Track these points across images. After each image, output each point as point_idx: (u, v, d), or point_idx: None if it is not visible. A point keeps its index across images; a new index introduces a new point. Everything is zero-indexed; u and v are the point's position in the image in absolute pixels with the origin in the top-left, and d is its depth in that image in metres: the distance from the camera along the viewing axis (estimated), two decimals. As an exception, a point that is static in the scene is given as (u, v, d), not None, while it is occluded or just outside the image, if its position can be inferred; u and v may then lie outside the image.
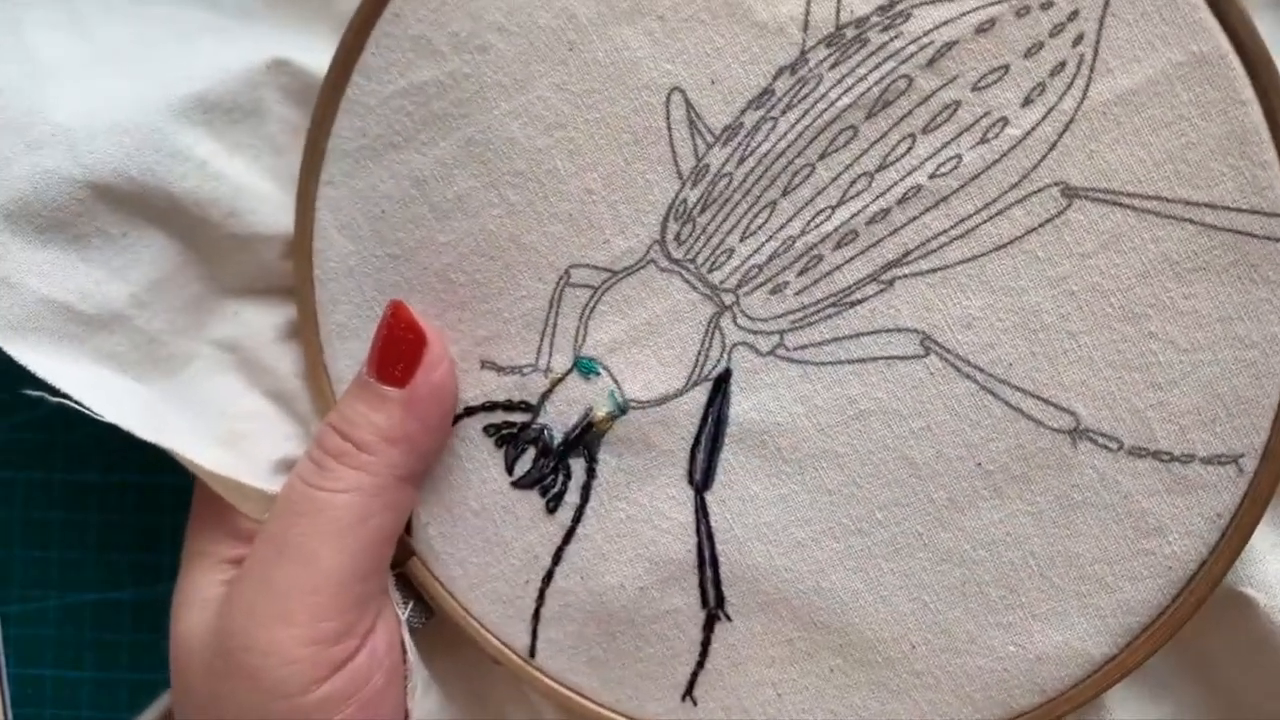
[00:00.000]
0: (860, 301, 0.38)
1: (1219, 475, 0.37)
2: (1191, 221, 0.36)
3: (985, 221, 0.37)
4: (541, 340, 0.40)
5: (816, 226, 0.38)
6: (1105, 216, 0.36)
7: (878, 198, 0.37)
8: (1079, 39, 0.36)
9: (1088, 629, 0.38)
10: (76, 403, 0.39)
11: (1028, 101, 0.36)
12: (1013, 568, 0.38)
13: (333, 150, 0.41)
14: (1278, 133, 0.35)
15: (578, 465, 0.41)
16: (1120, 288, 0.37)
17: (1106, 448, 0.37)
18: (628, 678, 0.41)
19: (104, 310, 0.41)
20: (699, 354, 0.39)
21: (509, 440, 0.41)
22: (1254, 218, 0.36)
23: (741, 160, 0.38)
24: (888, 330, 0.38)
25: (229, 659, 0.38)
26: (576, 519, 0.41)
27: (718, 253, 0.39)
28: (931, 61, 0.36)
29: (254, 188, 0.42)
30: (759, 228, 0.38)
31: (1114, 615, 0.38)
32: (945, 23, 0.36)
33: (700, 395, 0.39)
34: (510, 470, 0.41)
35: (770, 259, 0.38)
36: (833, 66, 0.37)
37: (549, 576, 0.41)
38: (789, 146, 0.38)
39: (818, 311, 0.38)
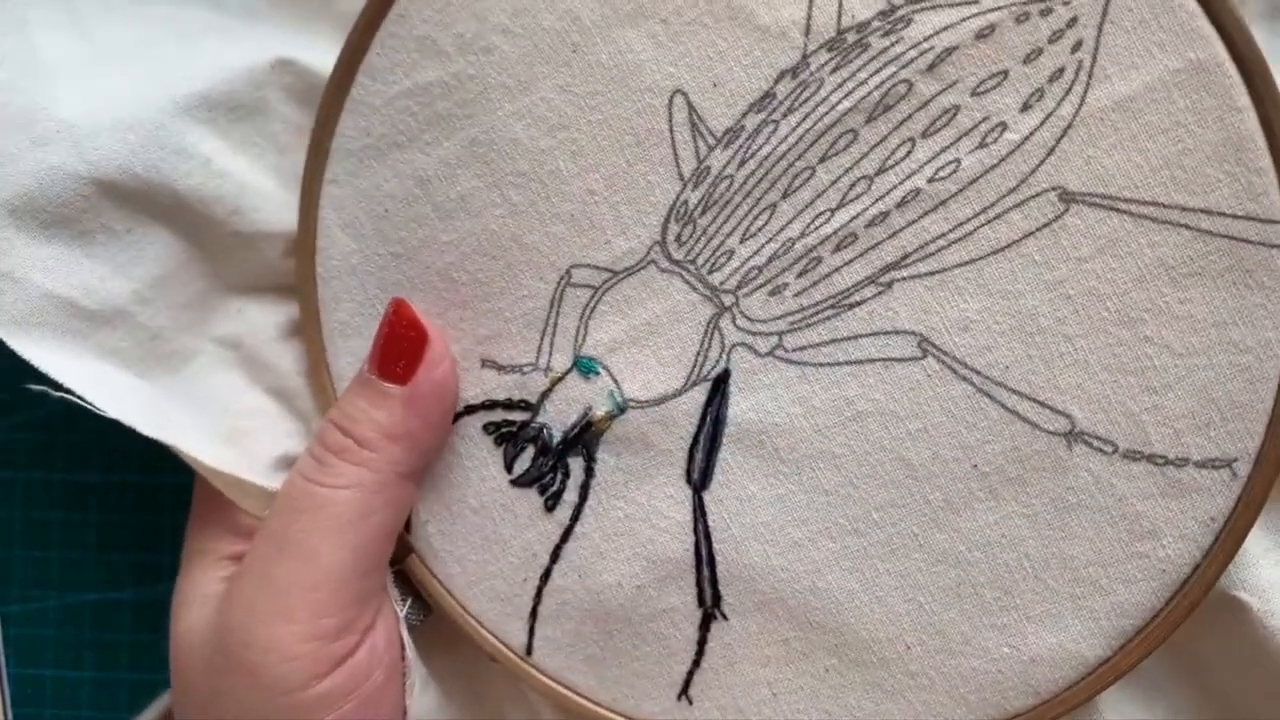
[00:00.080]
0: (859, 304, 0.38)
1: (1213, 479, 0.37)
2: (1187, 227, 0.36)
3: (983, 225, 0.37)
4: (542, 339, 0.41)
5: (816, 229, 0.38)
6: (1102, 221, 0.37)
7: (877, 201, 0.37)
8: (1078, 45, 0.36)
9: (1081, 631, 0.38)
10: (79, 398, 0.39)
11: (1026, 107, 0.36)
12: (1007, 569, 0.38)
13: (337, 149, 0.41)
14: (1273, 139, 0.36)
15: (576, 464, 0.41)
16: (1116, 292, 0.37)
17: (1101, 451, 0.37)
18: (624, 676, 0.41)
19: (107, 306, 0.41)
20: (698, 354, 0.39)
21: (508, 438, 0.41)
22: (1249, 224, 0.36)
23: (742, 162, 0.38)
24: (886, 332, 0.38)
25: (229, 656, 0.38)
26: (575, 517, 0.41)
27: (718, 254, 0.39)
28: (931, 66, 0.37)
29: (257, 186, 0.43)
30: (759, 229, 0.38)
31: (1108, 618, 0.38)
32: (945, 28, 0.36)
33: (699, 395, 0.40)
34: (509, 468, 0.41)
35: (770, 260, 0.38)
36: (834, 70, 0.37)
37: (547, 575, 0.41)
38: (790, 149, 0.38)
39: (816, 313, 0.38)
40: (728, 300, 0.39)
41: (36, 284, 0.40)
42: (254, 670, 0.37)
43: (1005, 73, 0.36)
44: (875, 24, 0.37)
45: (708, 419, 0.40)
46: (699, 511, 0.40)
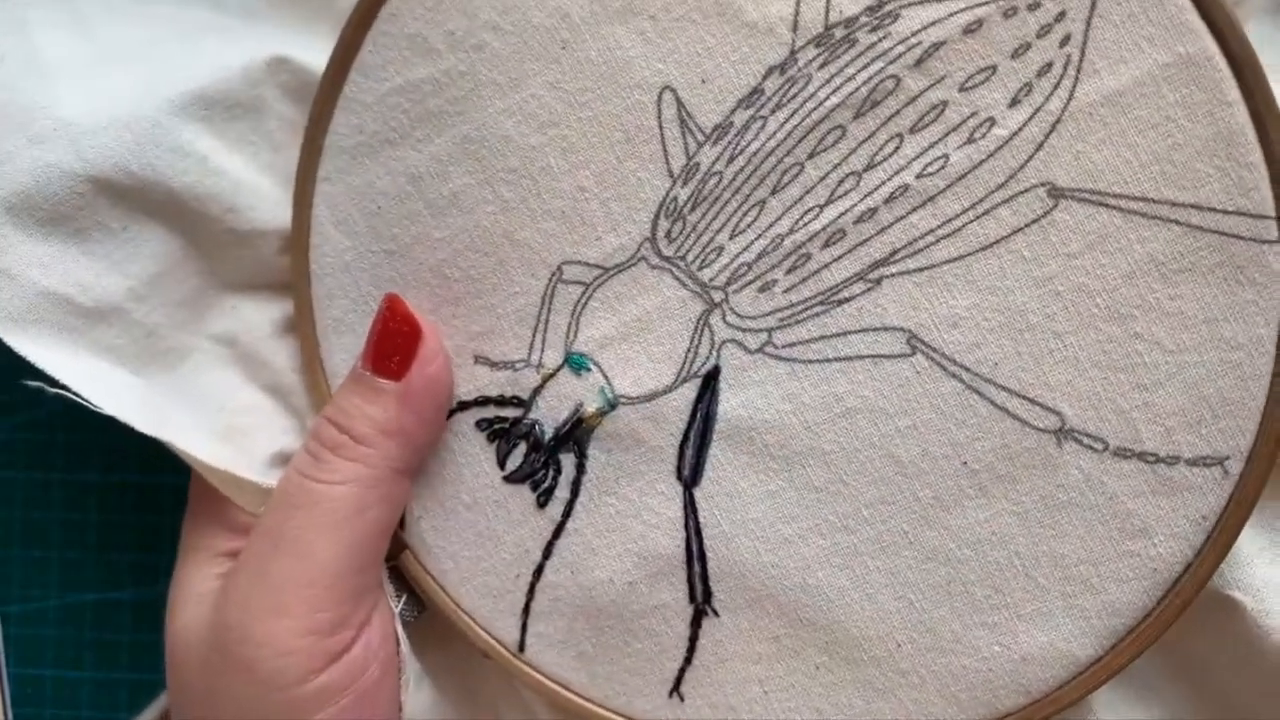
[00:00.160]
0: (848, 300, 0.38)
1: (1204, 477, 0.37)
2: (1178, 223, 0.36)
3: (972, 221, 0.37)
4: (534, 336, 0.41)
5: (805, 225, 0.38)
6: (1091, 217, 0.36)
7: (865, 197, 0.37)
8: (1066, 40, 0.36)
9: (1073, 630, 0.38)
10: (75, 394, 0.39)
11: (1014, 102, 0.36)
12: (998, 567, 0.38)
13: (330, 147, 0.42)
14: (1264, 134, 0.35)
15: (568, 460, 0.41)
16: (1106, 288, 0.37)
17: (1092, 448, 0.37)
18: (616, 673, 0.41)
19: (103, 303, 0.41)
20: (688, 351, 0.39)
21: (501, 435, 0.41)
22: (1240, 219, 0.36)
23: (731, 159, 0.38)
24: (875, 329, 0.38)
25: (225, 652, 0.38)
26: (566, 514, 0.41)
27: (707, 250, 0.39)
28: (919, 62, 0.37)
29: (253, 184, 0.43)
30: (748, 226, 0.38)
31: (1099, 617, 0.38)
32: (933, 23, 0.36)
33: (689, 392, 0.40)
34: (502, 465, 0.41)
35: (759, 257, 0.39)
36: (821, 66, 0.37)
37: (539, 571, 0.41)
38: (778, 145, 0.38)
39: (806, 309, 0.38)
40: (717, 296, 0.39)
41: (33, 281, 0.40)
42: (250, 666, 0.37)
43: (993, 68, 0.36)
44: (863, 19, 0.37)
45: (698, 415, 0.40)
46: (690, 508, 0.40)
